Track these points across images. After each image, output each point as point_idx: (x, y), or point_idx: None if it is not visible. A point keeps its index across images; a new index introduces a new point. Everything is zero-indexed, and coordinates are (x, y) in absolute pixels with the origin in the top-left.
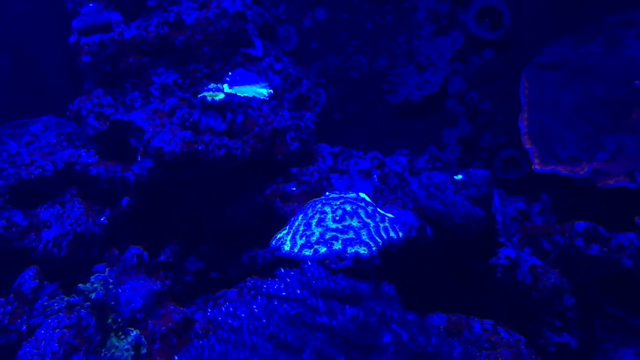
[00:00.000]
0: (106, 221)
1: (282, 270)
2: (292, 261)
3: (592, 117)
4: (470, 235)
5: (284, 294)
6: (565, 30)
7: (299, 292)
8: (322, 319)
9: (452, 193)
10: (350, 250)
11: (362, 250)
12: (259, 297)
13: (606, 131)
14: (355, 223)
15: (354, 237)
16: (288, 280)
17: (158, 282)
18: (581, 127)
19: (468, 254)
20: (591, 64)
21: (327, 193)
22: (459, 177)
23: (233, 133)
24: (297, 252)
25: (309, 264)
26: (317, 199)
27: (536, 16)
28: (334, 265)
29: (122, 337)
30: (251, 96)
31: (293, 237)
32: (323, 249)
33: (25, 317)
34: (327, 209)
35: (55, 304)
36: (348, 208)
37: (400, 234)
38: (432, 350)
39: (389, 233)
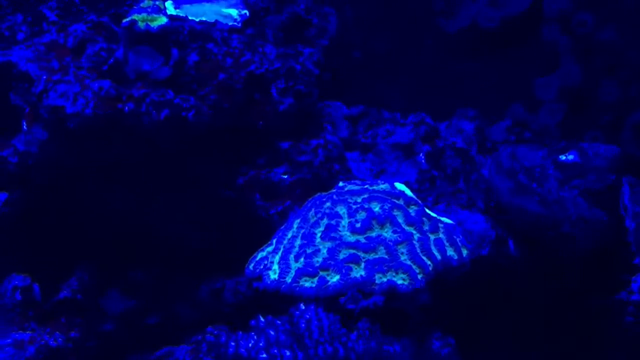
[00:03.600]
0: None
1: (261, 320)
2: (282, 298)
3: None
4: (584, 253)
5: (263, 356)
6: None
7: (289, 355)
8: None
9: (558, 184)
10: (380, 279)
11: (401, 279)
12: None
13: None
14: (388, 234)
15: (386, 257)
16: (272, 334)
17: (57, 334)
18: None
19: (579, 284)
20: None
21: (340, 183)
22: (570, 157)
23: (183, 83)
24: (291, 283)
25: (305, 306)
26: (323, 193)
27: None
28: (352, 306)
29: None
30: (212, 21)
31: (284, 258)
32: (334, 278)
33: None
34: (342, 210)
35: None
36: (376, 209)
37: (465, 252)
38: None
39: (446, 250)
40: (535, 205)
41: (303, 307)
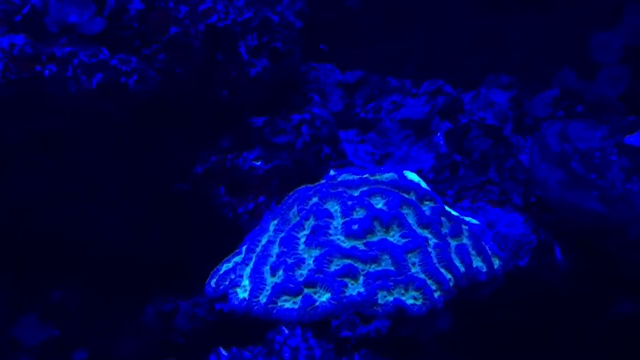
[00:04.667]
0: None
1: (223, 353)
2: (256, 324)
3: None
4: None
5: None
6: None
7: None
8: None
9: (624, 175)
10: (384, 298)
11: (412, 298)
12: None
13: None
14: (395, 239)
15: (392, 269)
16: None
17: None
18: None
19: None
20: None
21: (332, 172)
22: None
23: (122, 39)
24: (266, 304)
25: (288, 330)
26: (309, 185)
27: None
28: (347, 333)
29: None
30: None
31: (256, 271)
32: (324, 297)
33: None
34: (334, 207)
35: None
36: (379, 205)
37: (496, 263)
38: None
39: (471, 260)
40: (594, 202)
41: (287, 332)
